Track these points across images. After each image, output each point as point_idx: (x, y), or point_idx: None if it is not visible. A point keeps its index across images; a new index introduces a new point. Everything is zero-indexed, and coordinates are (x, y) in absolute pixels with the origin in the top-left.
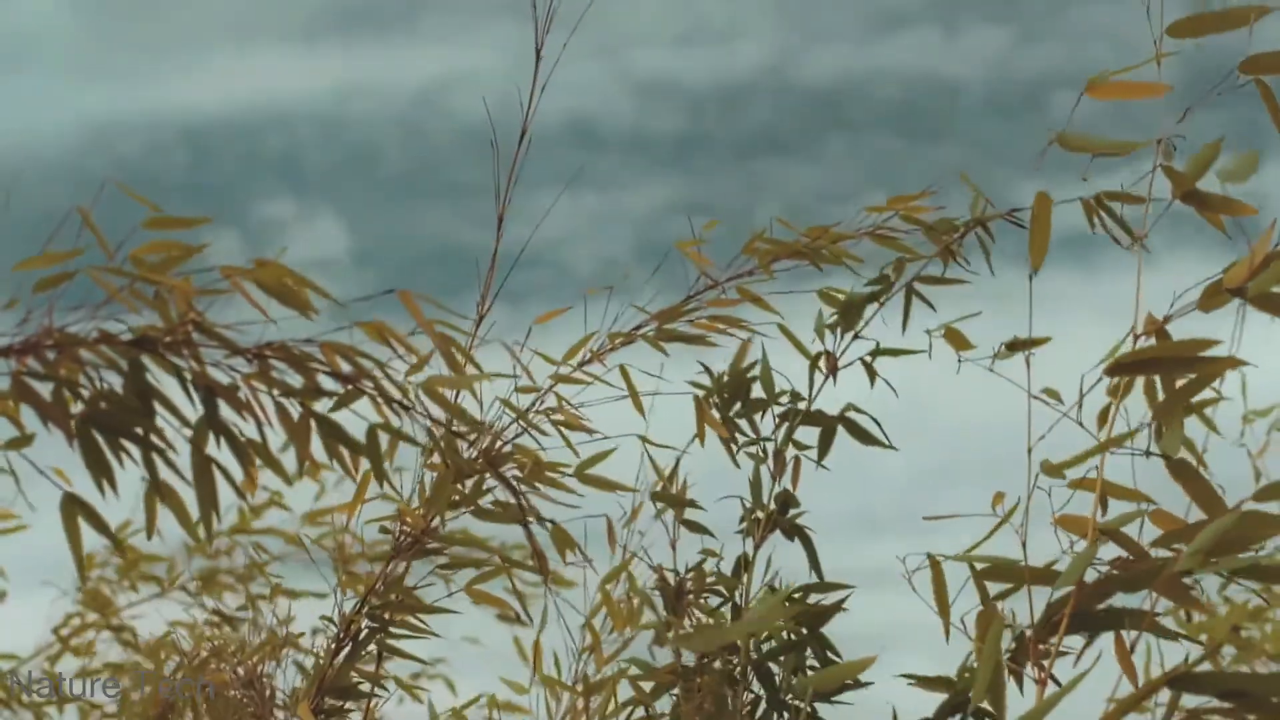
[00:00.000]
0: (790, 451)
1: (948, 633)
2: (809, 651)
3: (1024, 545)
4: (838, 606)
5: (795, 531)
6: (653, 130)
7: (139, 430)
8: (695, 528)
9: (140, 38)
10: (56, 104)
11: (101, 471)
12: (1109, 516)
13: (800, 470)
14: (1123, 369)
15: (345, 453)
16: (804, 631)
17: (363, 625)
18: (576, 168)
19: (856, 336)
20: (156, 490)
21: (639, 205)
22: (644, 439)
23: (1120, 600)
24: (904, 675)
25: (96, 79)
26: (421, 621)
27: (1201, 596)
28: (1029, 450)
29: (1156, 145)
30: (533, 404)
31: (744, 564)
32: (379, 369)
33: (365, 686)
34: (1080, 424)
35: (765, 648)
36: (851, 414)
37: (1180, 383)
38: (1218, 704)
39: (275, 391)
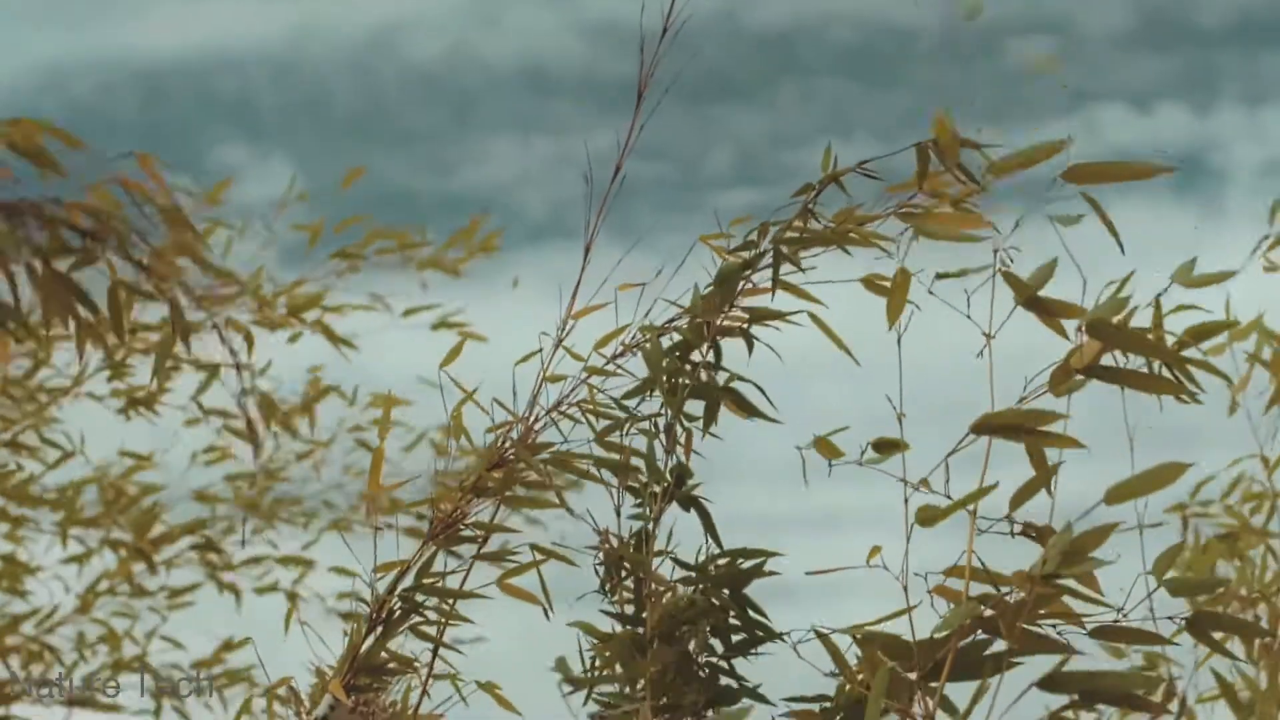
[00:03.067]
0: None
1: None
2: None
3: (905, 589)
4: (758, 570)
5: (691, 503)
6: (603, 73)
7: None
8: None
9: None
10: (10, 46)
11: None
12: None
13: (691, 443)
14: (985, 430)
15: (86, 314)
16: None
17: (395, 607)
18: (528, 112)
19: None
20: None
21: (590, 149)
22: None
23: None
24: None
25: (50, 21)
26: (449, 605)
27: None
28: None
29: (994, 255)
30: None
31: (644, 536)
32: (125, 226)
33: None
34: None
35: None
36: (735, 384)
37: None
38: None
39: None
